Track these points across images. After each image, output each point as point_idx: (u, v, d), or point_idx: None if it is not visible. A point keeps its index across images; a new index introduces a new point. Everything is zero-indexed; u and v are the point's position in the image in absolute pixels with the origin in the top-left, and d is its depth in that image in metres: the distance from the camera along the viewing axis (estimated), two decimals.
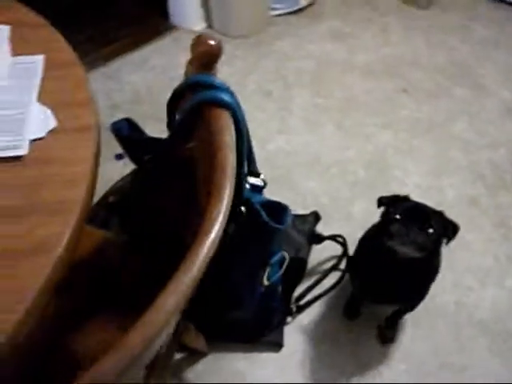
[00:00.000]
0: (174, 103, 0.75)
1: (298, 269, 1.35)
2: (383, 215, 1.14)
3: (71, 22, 2.44)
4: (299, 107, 2.12)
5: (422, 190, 1.79)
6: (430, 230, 1.05)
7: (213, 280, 0.81)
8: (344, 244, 1.49)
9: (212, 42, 0.68)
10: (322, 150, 1.92)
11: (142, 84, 2.23)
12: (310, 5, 2.79)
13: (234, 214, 0.68)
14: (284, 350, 1.33)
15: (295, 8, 2.74)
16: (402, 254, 1.05)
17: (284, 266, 0.89)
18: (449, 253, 1.56)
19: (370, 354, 1.34)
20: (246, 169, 0.78)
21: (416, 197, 1.18)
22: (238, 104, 0.67)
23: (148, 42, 2.47)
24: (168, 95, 0.82)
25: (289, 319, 1.37)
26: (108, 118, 1.06)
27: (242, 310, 0.89)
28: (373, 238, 1.22)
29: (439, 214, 1.10)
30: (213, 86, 0.64)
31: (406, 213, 1.07)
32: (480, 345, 1.37)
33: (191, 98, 0.66)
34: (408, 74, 2.36)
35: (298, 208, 1.65)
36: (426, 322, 1.41)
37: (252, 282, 0.81)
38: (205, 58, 0.69)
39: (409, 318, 1.41)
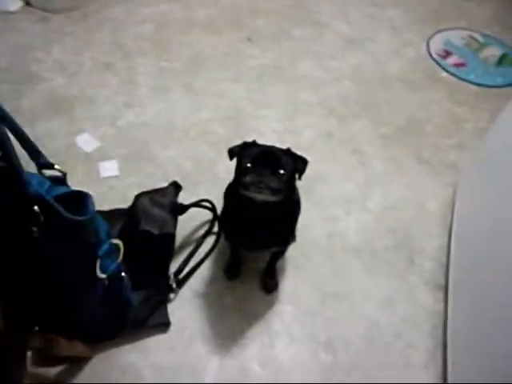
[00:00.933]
0: None
1: (165, 244, 1.30)
2: (236, 166, 1.12)
3: None
4: (144, 76, 2.00)
5: (279, 134, 1.82)
6: (281, 171, 1.06)
7: (41, 289, 0.73)
8: (212, 207, 1.46)
9: None
10: (176, 116, 1.85)
11: None
12: None
13: (30, 217, 0.60)
14: (172, 328, 1.30)
15: None
16: (259, 201, 1.06)
17: (120, 253, 0.84)
18: (313, 188, 1.63)
19: (257, 306, 1.36)
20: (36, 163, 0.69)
21: (274, 142, 1.17)
22: None
23: None
24: None
25: (171, 296, 1.34)
26: None
27: (90, 309, 0.83)
28: (232, 190, 1.21)
29: (287, 152, 1.12)
30: None
31: (255, 160, 1.07)
32: (355, 268, 1.46)
33: None
34: (250, 22, 2.35)
35: (160, 180, 1.59)
36: (303, 261, 1.46)
37: (84, 280, 0.75)
38: None
39: (287, 262, 1.45)
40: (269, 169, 1.06)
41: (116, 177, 1.63)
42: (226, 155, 1.15)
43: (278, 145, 1.17)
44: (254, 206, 1.08)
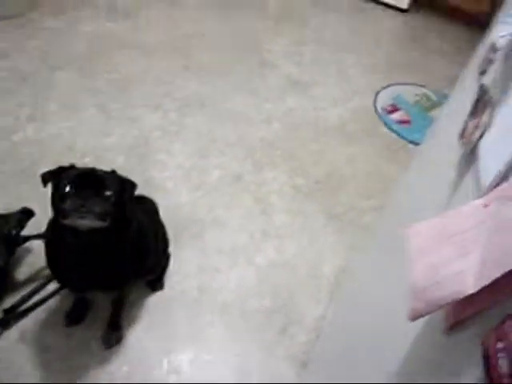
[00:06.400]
0: None
1: None
2: (52, 193, 0.97)
3: None
4: (59, 90, 1.89)
5: (184, 171, 1.67)
6: (108, 193, 0.93)
7: None
8: None
9: None
10: (77, 138, 1.72)
11: None
12: None
13: None
14: None
15: None
16: (83, 227, 0.92)
17: None
18: (202, 234, 1.49)
19: (90, 362, 1.19)
20: None
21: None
22: None
23: None
24: None
25: None
26: None
27: None
28: (52, 223, 1.04)
29: (112, 175, 0.99)
30: None
31: (76, 183, 0.93)
32: (216, 330, 1.29)
33: None
34: (194, 51, 2.25)
35: (34, 204, 1.44)
36: (161, 316, 1.29)
37: None
38: None
39: (145, 313, 1.29)
40: (92, 191, 0.92)
41: None
42: None
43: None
44: (78, 234, 0.93)
